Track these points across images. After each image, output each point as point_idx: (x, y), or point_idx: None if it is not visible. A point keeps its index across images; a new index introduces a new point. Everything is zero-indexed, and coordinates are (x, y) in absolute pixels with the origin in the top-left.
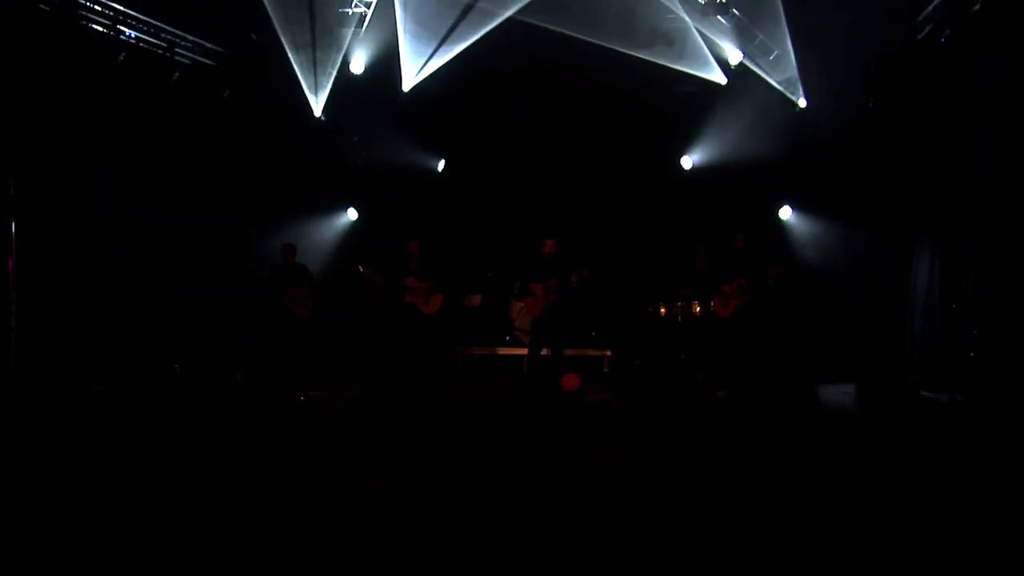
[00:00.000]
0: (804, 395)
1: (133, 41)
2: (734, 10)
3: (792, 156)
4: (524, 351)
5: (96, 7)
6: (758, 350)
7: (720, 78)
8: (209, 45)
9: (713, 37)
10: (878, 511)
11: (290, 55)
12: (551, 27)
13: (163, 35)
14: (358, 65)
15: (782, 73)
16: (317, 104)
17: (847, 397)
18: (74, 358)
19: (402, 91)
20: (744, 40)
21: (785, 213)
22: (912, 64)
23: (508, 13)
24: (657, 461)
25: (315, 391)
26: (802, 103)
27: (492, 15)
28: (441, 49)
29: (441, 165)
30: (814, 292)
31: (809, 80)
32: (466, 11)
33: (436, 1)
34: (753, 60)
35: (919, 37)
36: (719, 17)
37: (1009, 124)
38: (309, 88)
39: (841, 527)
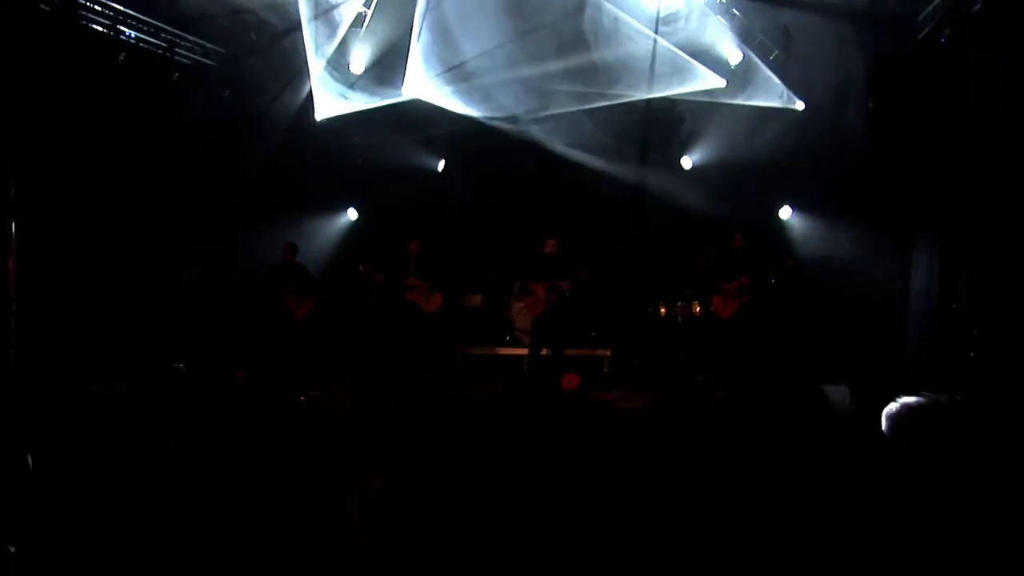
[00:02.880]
0: (809, 396)
1: (133, 41)
2: (734, 10)
3: (792, 156)
4: (524, 351)
5: (96, 7)
6: (758, 350)
7: (719, 81)
8: (209, 45)
9: (713, 37)
10: (878, 511)
11: (290, 55)
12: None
13: (163, 35)
14: (358, 65)
15: (782, 73)
16: (317, 104)
17: (845, 397)
18: (74, 358)
19: (402, 92)
20: (744, 40)
21: (785, 213)
22: (912, 64)
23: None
24: (657, 461)
25: (315, 391)
26: (801, 104)
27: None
28: (453, 69)
29: (441, 165)
30: (814, 292)
31: (809, 80)
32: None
33: (459, 23)
34: (753, 60)
35: (919, 37)
36: (719, 17)
37: (1009, 124)
38: (309, 88)
39: (841, 527)
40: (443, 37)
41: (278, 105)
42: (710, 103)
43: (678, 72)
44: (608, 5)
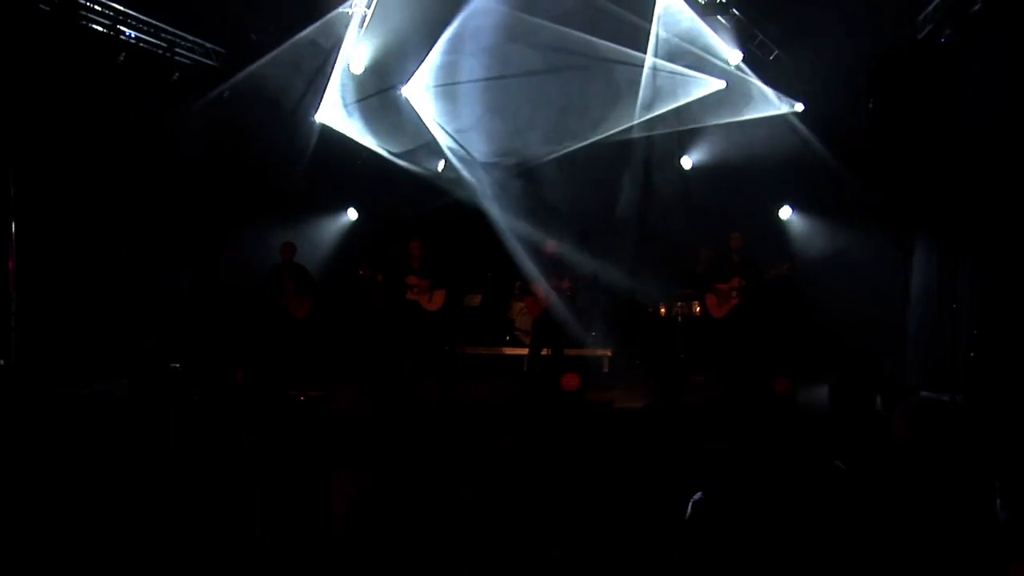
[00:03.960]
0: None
1: (133, 41)
2: (734, 10)
3: (792, 156)
4: (524, 351)
5: (96, 7)
6: (752, 350)
7: (719, 83)
8: (209, 45)
9: (713, 37)
10: (878, 513)
11: (290, 55)
12: None
13: (163, 35)
14: (358, 65)
15: (782, 73)
16: (317, 104)
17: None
18: (74, 358)
19: (401, 93)
20: (744, 40)
21: (785, 213)
22: (912, 64)
23: None
24: (655, 461)
25: (315, 391)
26: (801, 103)
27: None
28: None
29: (441, 165)
30: (814, 292)
31: (809, 81)
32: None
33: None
34: (753, 60)
35: (919, 37)
36: (719, 17)
37: (1008, 124)
38: (309, 88)
39: (840, 528)
40: (457, 61)
41: (278, 105)
42: (709, 126)
43: (677, 88)
44: (603, 43)
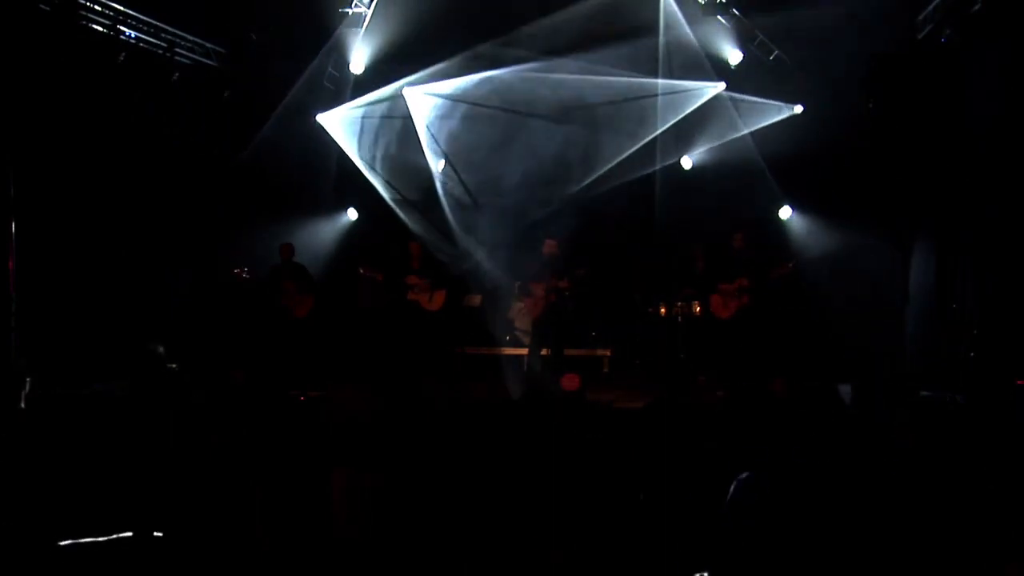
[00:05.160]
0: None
1: (133, 41)
2: (734, 10)
3: (792, 156)
4: (524, 351)
5: (96, 7)
6: (758, 350)
7: (719, 85)
8: (209, 45)
9: (713, 37)
10: (877, 512)
11: (290, 55)
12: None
13: (163, 35)
14: (358, 65)
15: (782, 73)
16: (317, 104)
17: (845, 397)
18: (74, 358)
19: (401, 94)
20: (744, 40)
21: (785, 213)
22: (912, 64)
23: None
24: (656, 461)
25: (315, 391)
26: (800, 107)
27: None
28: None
29: (441, 165)
30: (814, 292)
31: (808, 81)
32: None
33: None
34: (753, 60)
35: (919, 37)
36: (719, 17)
37: (1009, 124)
38: (309, 88)
39: (840, 529)
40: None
41: (278, 105)
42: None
43: (683, 99)
44: (608, 79)
